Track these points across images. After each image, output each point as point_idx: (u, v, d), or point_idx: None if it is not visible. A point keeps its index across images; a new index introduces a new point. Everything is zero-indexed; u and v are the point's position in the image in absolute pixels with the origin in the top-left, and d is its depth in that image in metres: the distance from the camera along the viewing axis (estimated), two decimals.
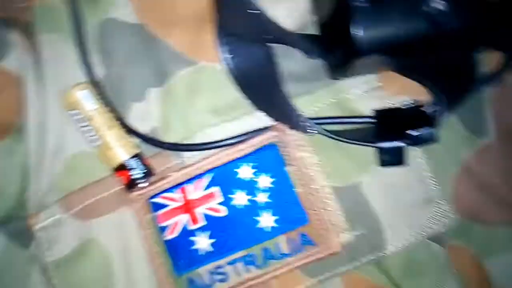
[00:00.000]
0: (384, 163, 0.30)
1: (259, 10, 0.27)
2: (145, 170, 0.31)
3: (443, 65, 0.29)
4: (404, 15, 0.26)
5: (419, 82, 0.30)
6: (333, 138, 0.29)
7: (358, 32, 0.25)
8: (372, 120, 0.30)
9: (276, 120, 0.30)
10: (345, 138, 0.29)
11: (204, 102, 0.32)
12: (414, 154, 0.30)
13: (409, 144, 0.29)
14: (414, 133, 0.28)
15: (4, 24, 0.32)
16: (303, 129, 0.29)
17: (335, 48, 0.28)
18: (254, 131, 0.31)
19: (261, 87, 0.31)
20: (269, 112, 0.31)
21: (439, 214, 0.30)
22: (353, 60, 0.27)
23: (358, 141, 0.29)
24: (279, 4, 0.31)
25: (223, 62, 0.31)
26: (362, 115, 0.31)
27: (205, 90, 0.32)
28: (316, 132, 0.29)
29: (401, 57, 0.28)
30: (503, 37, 0.28)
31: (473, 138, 0.31)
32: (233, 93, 0.31)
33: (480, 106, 0.32)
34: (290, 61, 0.31)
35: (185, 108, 0.32)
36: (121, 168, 0.30)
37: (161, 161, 0.31)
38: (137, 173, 0.30)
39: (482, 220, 0.31)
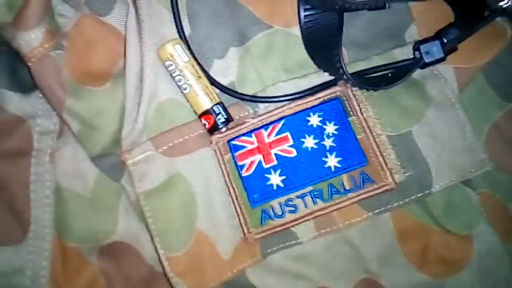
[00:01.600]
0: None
1: None
2: (226, 116, 0.35)
3: None
4: None
5: None
6: (370, 89, 0.35)
7: None
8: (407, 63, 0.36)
9: (328, 73, 0.36)
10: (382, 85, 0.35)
11: (277, 61, 0.37)
12: (457, 111, 0.35)
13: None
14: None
15: None
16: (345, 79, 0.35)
17: None
18: (321, 85, 0.36)
19: (324, 49, 0.36)
20: (325, 68, 0.36)
21: (477, 161, 0.35)
22: None
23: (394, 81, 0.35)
24: None
25: (299, 26, 0.36)
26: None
27: (279, 50, 0.37)
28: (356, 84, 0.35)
29: None
30: None
31: (502, 102, 0.37)
32: (303, 54, 0.37)
33: (508, 74, 0.38)
34: (354, 30, 0.36)
35: (261, 65, 0.37)
36: (206, 113, 0.35)
37: (238, 110, 0.36)
38: (219, 118, 0.35)
39: (508, 170, 0.37)
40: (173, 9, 0.36)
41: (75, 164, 0.37)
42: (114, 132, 0.36)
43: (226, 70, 0.37)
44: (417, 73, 0.36)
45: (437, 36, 0.35)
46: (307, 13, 0.36)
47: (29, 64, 0.35)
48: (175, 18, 0.36)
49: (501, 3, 0.32)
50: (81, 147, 0.36)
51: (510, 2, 0.32)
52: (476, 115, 0.37)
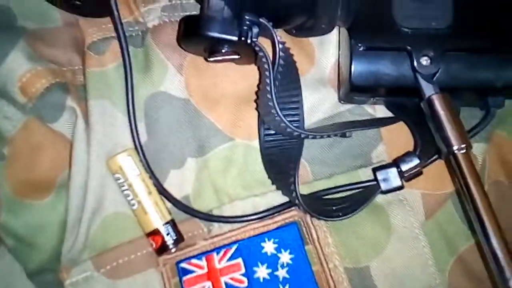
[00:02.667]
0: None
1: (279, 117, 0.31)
2: (176, 237, 0.33)
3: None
4: (394, 66, 0.32)
5: (405, 122, 0.35)
6: (323, 219, 0.33)
7: (354, 71, 0.32)
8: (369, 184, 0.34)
9: (284, 195, 0.34)
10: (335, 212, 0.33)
11: (236, 176, 0.35)
12: (420, 244, 0.34)
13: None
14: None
15: (60, 88, 0.34)
16: (299, 206, 0.33)
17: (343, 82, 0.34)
18: (279, 207, 0.34)
19: (282, 171, 0.34)
20: (281, 189, 0.34)
21: None
22: (350, 91, 0.33)
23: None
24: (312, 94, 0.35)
25: (259, 142, 0.34)
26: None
27: (238, 165, 0.35)
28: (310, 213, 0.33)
29: (388, 97, 0.34)
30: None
31: (469, 233, 0.35)
32: (263, 170, 0.35)
33: None
34: (318, 147, 0.35)
35: (218, 180, 0.35)
36: (154, 232, 0.33)
37: (190, 227, 0.34)
38: (168, 239, 0.33)
39: None
40: (129, 113, 0.34)
41: (10, 280, 0.34)
42: (53, 248, 0.33)
43: (182, 182, 0.35)
44: (382, 199, 0.35)
45: (395, 163, 0.34)
46: (267, 132, 0.34)
47: None
48: (130, 124, 0.34)
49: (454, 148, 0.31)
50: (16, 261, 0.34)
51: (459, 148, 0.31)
52: (442, 245, 0.35)
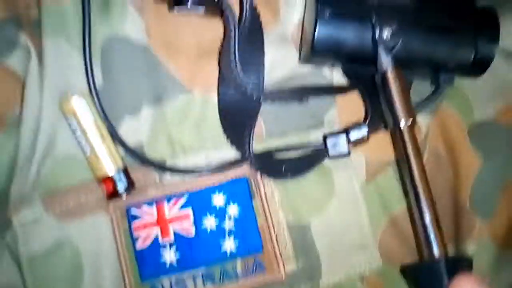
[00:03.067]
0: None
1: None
2: (128, 184, 0.34)
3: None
4: (357, 34, 0.32)
5: (359, 90, 0.36)
6: (273, 178, 0.35)
7: (317, 35, 0.32)
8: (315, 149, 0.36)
9: (237, 151, 0.35)
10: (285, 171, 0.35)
11: (192, 128, 0.35)
12: (359, 205, 0.36)
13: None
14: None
15: (12, 23, 0.32)
16: (251, 165, 0.34)
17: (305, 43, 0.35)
18: (231, 163, 0.35)
19: (237, 127, 0.35)
20: (235, 146, 0.35)
21: (369, 258, 0.36)
22: (311, 54, 0.33)
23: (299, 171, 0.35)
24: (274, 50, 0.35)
25: (217, 97, 0.34)
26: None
27: (195, 118, 0.35)
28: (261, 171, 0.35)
29: (347, 64, 0.35)
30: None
31: (403, 197, 0.38)
32: (219, 125, 0.35)
33: None
34: (273, 103, 0.35)
35: (174, 130, 0.35)
36: (106, 178, 0.33)
37: (143, 174, 0.34)
38: (120, 185, 0.33)
39: (395, 264, 0.38)
40: (84, 54, 0.33)
41: None
42: (2, 186, 0.33)
43: (136, 129, 0.35)
44: (328, 160, 0.36)
45: (345, 130, 0.35)
46: (225, 89, 0.34)
47: None
48: (85, 65, 0.33)
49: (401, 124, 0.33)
50: None
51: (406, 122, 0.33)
52: (378, 206, 0.37)
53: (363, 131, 0.34)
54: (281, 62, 0.36)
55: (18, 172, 0.33)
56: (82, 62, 0.33)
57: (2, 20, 0.32)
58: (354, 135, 0.34)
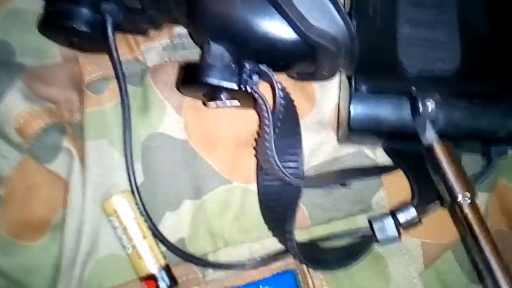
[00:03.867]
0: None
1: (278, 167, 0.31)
2: (170, 282, 0.33)
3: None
4: (395, 110, 0.31)
5: (402, 169, 0.34)
6: (319, 270, 0.33)
7: (353, 113, 0.31)
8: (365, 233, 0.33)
9: (280, 243, 0.33)
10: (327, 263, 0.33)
11: (233, 220, 0.34)
12: None
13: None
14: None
15: (56, 129, 0.34)
16: (294, 256, 0.32)
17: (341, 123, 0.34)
18: (275, 255, 0.33)
19: (278, 218, 0.33)
20: (277, 236, 0.34)
21: None
22: (348, 134, 0.32)
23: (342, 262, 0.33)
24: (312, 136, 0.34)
25: (257, 188, 0.34)
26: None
27: (235, 208, 0.34)
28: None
29: (387, 142, 0.34)
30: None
31: (468, 284, 0.35)
32: (260, 215, 0.34)
33: None
34: (317, 191, 0.34)
35: (215, 223, 0.34)
36: (149, 277, 0.32)
37: (184, 271, 0.33)
38: (163, 284, 0.32)
39: None
40: (126, 155, 0.33)
41: None
42: None
43: (177, 224, 0.34)
44: (380, 247, 0.34)
45: (392, 213, 0.33)
46: (265, 177, 0.33)
47: None
48: (127, 166, 0.33)
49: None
50: None
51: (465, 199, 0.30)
52: None
53: (411, 213, 0.32)
54: (320, 147, 0.35)
55: (62, 276, 0.33)
56: (123, 161, 0.34)
57: (47, 126, 0.33)
58: (402, 217, 0.32)
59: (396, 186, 0.35)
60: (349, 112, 0.31)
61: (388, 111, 0.31)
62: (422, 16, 0.32)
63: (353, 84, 0.31)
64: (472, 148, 0.34)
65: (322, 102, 0.36)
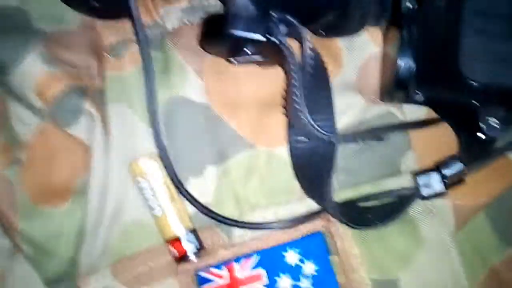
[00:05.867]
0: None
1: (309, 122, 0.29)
2: (198, 246, 0.32)
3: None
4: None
5: (448, 122, 0.32)
6: (359, 228, 0.32)
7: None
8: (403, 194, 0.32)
9: (317, 203, 0.32)
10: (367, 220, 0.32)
11: (258, 184, 0.34)
12: (451, 257, 0.32)
13: None
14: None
15: (77, 93, 0.33)
16: (334, 216, 0.32)
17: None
18: (303, 217, 0.33)
19: (313, 177, 0.33)
20: (313, 197, 0.33)
21: None
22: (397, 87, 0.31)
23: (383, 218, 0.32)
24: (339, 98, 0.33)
25: (288, 148, 0.33)
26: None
27: (260, 173, 0.34)
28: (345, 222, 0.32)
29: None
30: None
31: (502, 245, 0.33)
32: (286, 178, 0.33)
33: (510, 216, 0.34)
34: (345, 155, 0.33)
35: (239, 188, 0.33)
36: (176, 240, 0.32)
37: (211, 235, 0.33)
38: (191, 247, 0.32)
39: None
40: (151, 120, 0.33)
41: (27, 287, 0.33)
42: (71, 256, 0.33)
43: (201, 190, 0.33)
44: (411, 209, 0.33)
45: (437, 168, 0.32)
46: (296, 138, 0.32)
47: None
48: (154, 129, 0.33)
49: None
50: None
51: None
52: (472, 257, 0.33)
53: (458, 167, 0.31)
54: (347, 109, 0.34)
55: (87, 239, 0.32)
56: (145, 126, 0.33)
57: (67, 89, 0.33)
58: (448, 171, 0.31)
59: (426, 149, 0.34)
60: (398, 66, 0.30)
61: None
62: (491, 26, 0.29)
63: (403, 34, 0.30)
64: None
65: (348, 64, 0.35)
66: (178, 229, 0.32)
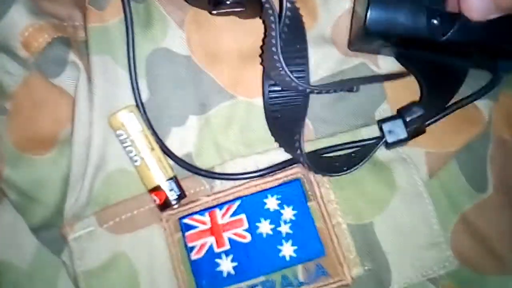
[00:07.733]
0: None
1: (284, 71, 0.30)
2: (179, 193, 0.33)
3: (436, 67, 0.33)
4: (410, 17, 0.31)
5: (414, 74, 0.34)
6: (327, 175, 0.33)
7: (370, 17, 0.31)
8: (370, 142, 0.34)
9: (287, 152, 0.34)
10: (338, 167, 0.33)
11: (238, 134, 0.35)
12: (425, 202, 0.34)
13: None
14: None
15: (61, 42, 0.34)
16: (303, 164, 0.33)
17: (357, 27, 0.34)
18: (282, 164, 0.34)
19: (286, 128, 0.34)
20: (284, 146, 0.34)
21: (441, 258, 0.33)
22: (363, 38, 0.32)
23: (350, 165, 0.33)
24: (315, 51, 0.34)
25: (263, 99, 0.34)
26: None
27: (240, 123, 0.35)
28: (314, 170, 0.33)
29: (400, 48, 0.33)
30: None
31: (473, 192, 0.35)
32: (265, 128, 0.34)
33: (482, 163, 0.36)
34: (321, 104, 0.34)
35: (220, 137, 0.34)
36: (157, 188, 0.33)
37: (192, 184, 0.34)
38: (171, 194, 0.33)
39: (473, 267, 0.35)
40: (130, 70, 0.33)
41: (13, 234, 0.34)
42: (56, 203, 0.33)
43: (183, 139, 0.34)
44: (384, 157, 0.34)
45: (399, 114, 0.33)
46: (271, 88, 0.34)
47: None
48: (131, 81, 0.34)
49: None
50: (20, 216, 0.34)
51: None
52: (445, 204, 0.34)
53: (418, 112, 0.32)
54: (323, 61, 0.35)
55: (71, 188, 0.33)
56: (128, 77, 0.34)
57: (53, 40, 0.33)
58: (409, 116, 0.32)
59: (399, 100, 0.35)
60: (366, 14, 0.31)
61: (404, 15, 0.31)
62: None
63: None
64: (479, 62, 0.34)
65: (324, 17, 0.35)
66: (158, 177, 0.33)
